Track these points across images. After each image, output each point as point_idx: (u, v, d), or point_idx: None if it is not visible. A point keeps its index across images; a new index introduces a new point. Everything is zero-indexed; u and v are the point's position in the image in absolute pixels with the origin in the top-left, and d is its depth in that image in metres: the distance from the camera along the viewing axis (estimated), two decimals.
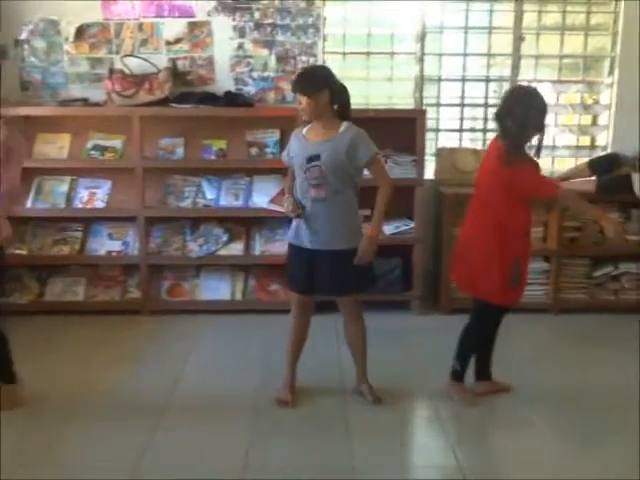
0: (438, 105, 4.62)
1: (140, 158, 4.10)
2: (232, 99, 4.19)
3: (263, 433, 2.80)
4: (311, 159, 2.82)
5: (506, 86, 4.59)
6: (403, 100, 4.57)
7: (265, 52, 4.33)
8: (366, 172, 2.94)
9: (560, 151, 4.72)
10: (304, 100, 2.79)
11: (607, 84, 4.59)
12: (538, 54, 4.60)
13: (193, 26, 4.28)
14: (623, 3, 4.44)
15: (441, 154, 4.51)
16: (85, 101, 4.22)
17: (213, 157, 4.29)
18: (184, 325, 4.07)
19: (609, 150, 4.54)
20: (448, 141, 4.68)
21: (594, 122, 4.74)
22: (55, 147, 4.26)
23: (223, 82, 4.33)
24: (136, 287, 4.30)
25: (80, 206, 4.27)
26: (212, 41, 4.30)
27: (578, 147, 4.73)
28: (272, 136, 4.27)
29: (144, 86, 4.12)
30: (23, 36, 4.27)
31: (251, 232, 4.35)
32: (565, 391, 3.21)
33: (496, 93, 4.69)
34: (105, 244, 4.30)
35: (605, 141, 4.64)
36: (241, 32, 4.31)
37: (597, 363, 3.53)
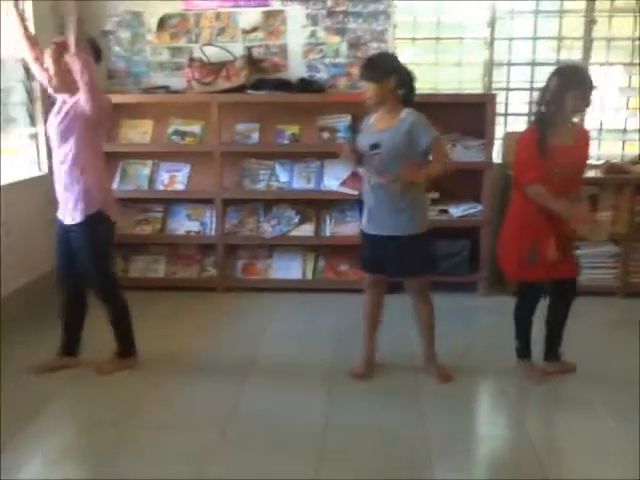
0: (508, 89, 4.65)
1: (218, 143, 4.30)
2: (305, 85, 4.34)
3: (340, 400, 2.97)
4: (374, 147, 2.91)
5: None
6: (472, 85, 4.62)
7: (337, 39, 4.46)
8: None
9: (631, 135, 4.67)
10: (370, 87, 2.89)
11: None
12: (610, 37, 4.57)
13: (268, 15, 4.45)
14: None
15: (508, 138, 4.54)
16: (166, 88, 4.45)
17: (286, 141, 4.46)
18: (258, 302, 4.28)
19: None
20: (517, 125, 4.71)
21: None
22: (139, 132, 4.51)
23: (296, 69, 4.48)
24: (212, 265, 4.53)
25: (161, 188, 4.52)
26: (286, 29, 4.45)
27: None
28: (343, 121, 4.40)
29: (222, 74, 4.31)
30: (109, 27, 4.53)
31: (321, 214, 4.51)
32: (627, 374, 3.24)
33: None
34: (184, 224, 4.54)
35: None
36: (314, 20, 4.44)
37: None
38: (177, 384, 3.14)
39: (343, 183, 4.33)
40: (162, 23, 4.48)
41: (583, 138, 3.01)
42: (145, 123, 4.53)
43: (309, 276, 4.49)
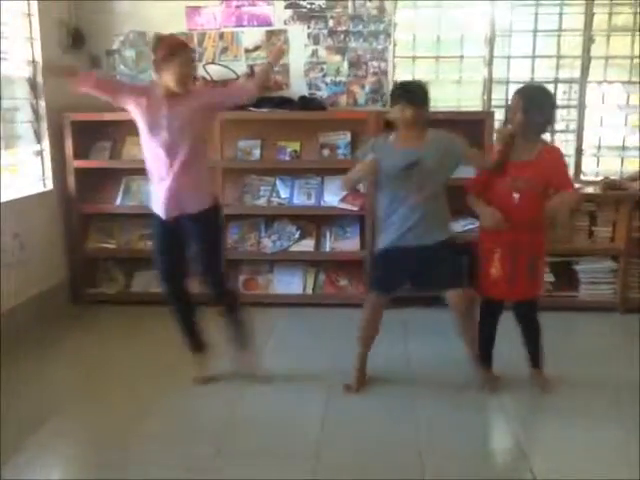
0: (506, 107, 4.70)
1: (220, 158, 4.37)
2: (306, 103, 4.41)
3: (336, 409, 3.03)
4: (411, 165, 2.97)
5: (575, 88, 4.64)
6: (471, 102, 4.68)
7: (338, 58, 4.54)
8: None
9: (630, 152, 4.71)
10: (410, 111, 2.97)
11: None
12: (608, 55, 4.62)
13: (270, 34, 4.53)
14: None
15: None
16: None
17: (287, 158, 4.52)
18: (259, 316, 4.25)
19: None
20: None
21: None
22: (139, 149, 4.56)
23: (298, 87, 4.56)
24: None
25: None
26: (288, 48, 4.53)
27: None
28: (343, 138, 4.47)
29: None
30: (114, 46, 4.62)
31: (322, 230, 4.55)
32: (623, 385, 3.26)
33: (565, 94, 4.74)
34: None
35: None
36: (315, 39, 4.53)
37: None
38: (180, 396, 3.18)
39: (343, 199, 4.38)
40: None
41: (549, 155, 2.98)
42: None
43: (309, 291, 4.53)
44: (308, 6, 4.48)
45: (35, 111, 4.25)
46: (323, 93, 4.56)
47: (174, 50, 2.98)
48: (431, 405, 3.08)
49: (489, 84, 4.63)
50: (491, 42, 4.56)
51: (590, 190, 4.43)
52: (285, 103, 4.40)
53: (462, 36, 4.61)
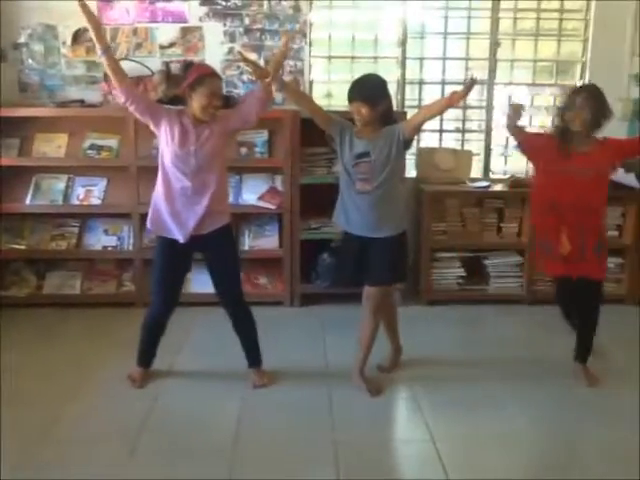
0: (419, 107, 4.85)
1: (135, 157, 4.29)
2: (223, 101, 4.37)
3: (253, 405, 3.07)
4: (362, 155, 3.04)
5: (483, 88, 4.84)
6: None
7: (254, 56, 4.52)
8: None
9: None
10: (364, 109, 2.99)
11: None
12: (513, 58, 4.85)
13: (186, 31, 4.49)
14: (593, 11, 4.69)
15: (422, 153, 4.74)
16: (82, 102, 4.40)
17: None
18: (176, 316, 4.18)
19: None
20: (428, 141, 4.91)
21: None
22: (53, 146, 4.43)
23: None
24: (130, 280, 4.49)
25: (77, 203, 4.46)
26: (204, 45, 4.50)
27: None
28: (261, 136, 4.47)
29: (139, 88, 4.31)
30: (22, 40, 4.45)
31: (241, 228, 4.55)
32: (529, 373, 3.44)
33: (474, 95, 4.92)
34: (101, 239, 4.49)
35: None
36: (231, 37, 4.51)
37: None
38: (93, 398, 3.13)
39: (261, 197, 4.40)
40: (77, 37, 4.45)
41: (603, 143, 3.18)
42: (60, 137, 4.46)
43: None
44: (224, 3, 4.47)
45: None
46: (240, 91, 4.56)
47: (202, 78, 2.98)
48: (346, 398, 3.15)
49: (402, 84, 4.76)
50: (404, 44, 4.69)
51: (498, 188, 4.64)
52: None
53: (376, 37, 4.71)
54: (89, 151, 4.44)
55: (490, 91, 4.83)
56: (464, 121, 4.92)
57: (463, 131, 4.94)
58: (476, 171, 4.88)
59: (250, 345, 3.33)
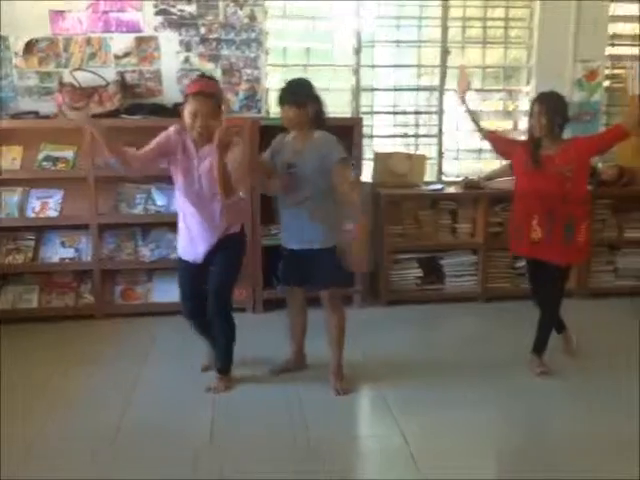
0: (373, 113, 4.97)
1: (92, 167, 4.26)
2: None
3: (224, 410, 3.09)
4: (289, 166, 3.09)
5: (435, 95, 4.99)
6: (340, 109, 4.88)
7: (211, 65, 4.57)
8: None
9: (485, 154, 5.12)
10: (291, 112, 3.05)
11: (525, 92, 5.05)
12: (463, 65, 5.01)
13: (141, 41, 4.48)
14: (537, 19, 4.90)
15: (377, 158, 4.85)
16: (36, 114, 4.35)
17: (163, 165, 4.48)
18: (139, 326, 4.25)
19: None
20: (383, 146, 5.02)
21: (515, 127, 5.18)
22: (7, 159, 4.35)
23: (171, 94, 4.53)
24: (89, 292, 4.45)
25: (32, 215, 4.39)
26: (159, 55, 4.51)
27: None
28: None
29: (94, 98, 4.29)
30: None
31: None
32: (486, 368, 3.57)
33: (426, 101, 5.07)
34: (58, 252, 4.43)
35: None
36: (187, 46, 4.53)
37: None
38: (58, 412, 3.08)
39: None
40: (29, 47, 4.40)
41: (569, 143, 3.41)
42: (14, 149, 4.38)
43: None
44: (179, 13, 4.49)
45: None
46: None
47: (186, 97, 2.99)
48: (316, 398, 3.21)
49: (357, 91, 4.86)
50: (358, 52, 4.79)
51: (451, 190, 4.79)
52: (159, 110, 4.37)
53: (331, 46, 4.81)
54: (44, 163, 4.39)
55: (441, 97, 4.98)
56: (417, 126, 5.05)
57: (416, 136, 5.07)
58: (430, 174, 5.02)
59: (217, 352, 3.37)
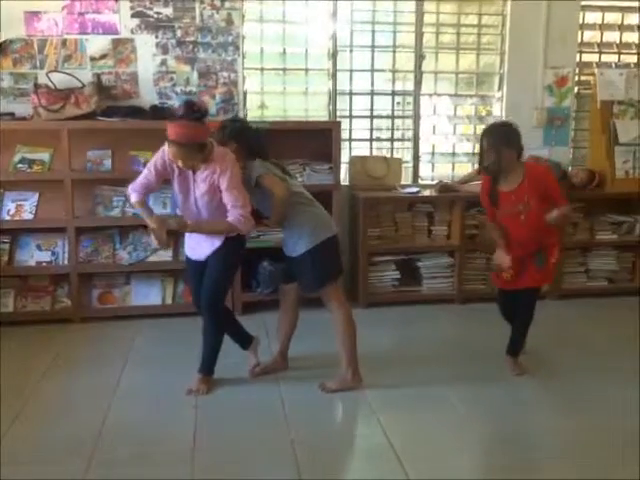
0: (350, 117, 5.02)
1: (68, 170, 4.22)
2: (158, 112, 4.39)
3: (207, 412, 3.10)
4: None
5: (410, 99, 5.07)
6: (317, 113, 4.93)
7: (187, 68, 4.57)
8: None
9: (459, 157, 5.22)
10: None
11: (497, 98, 5.15)
12: (437, 70, 5.10)
13: (117, 43, 4.47)
14: (508, 26, 5.01)
15: (354, 162, 4.90)
16: (11, 115, 4.30)
17: (140, 168, 4.45)
18: (117, 330, 4.23)
19: None
20: (359, 150, 5.08)
21: None
22: None
23: (147, 96, 4.54)
24: (66, 296, 4.41)
25: (7, 218, 4.34)
26: (136, 57, 4.49)
27: (475, 154, 5.23)
28: None
29: (70, 100, 4.26)
30: None
31: (179, 239, 4.54)
32: (461, 369, 3.64)
33: (399, 105, 5.14)
34: (34, 255, 4.39)
35: None
36: (164, 49, 4.53)
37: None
38: (37, 417, 3.05)
39: None
40: (3, 48, 4.34)
41: (533, 175, 3.31)
42: None
43: (169, 301, 4.52)
44: (155, 16, 4.48)
45: None
46: (174, 102, 4.56)
47: (167, 141, 3.03)
48: (298, 398, 3.24)
49: (334, 95, 4.91)
50: (334, 56, 4.84)
51: (427, 193, 4.86)
52: (136, 112, 4.36)
53: (307, 50, 4.85)
54: (20, 165, 4.34)
55: (416, 101, 5.05)
56: (392, 130, 5.12)
57: (392, 140, 5.14)
58: (405, 178, 5.09)
59: (202, 352, 3.38)
